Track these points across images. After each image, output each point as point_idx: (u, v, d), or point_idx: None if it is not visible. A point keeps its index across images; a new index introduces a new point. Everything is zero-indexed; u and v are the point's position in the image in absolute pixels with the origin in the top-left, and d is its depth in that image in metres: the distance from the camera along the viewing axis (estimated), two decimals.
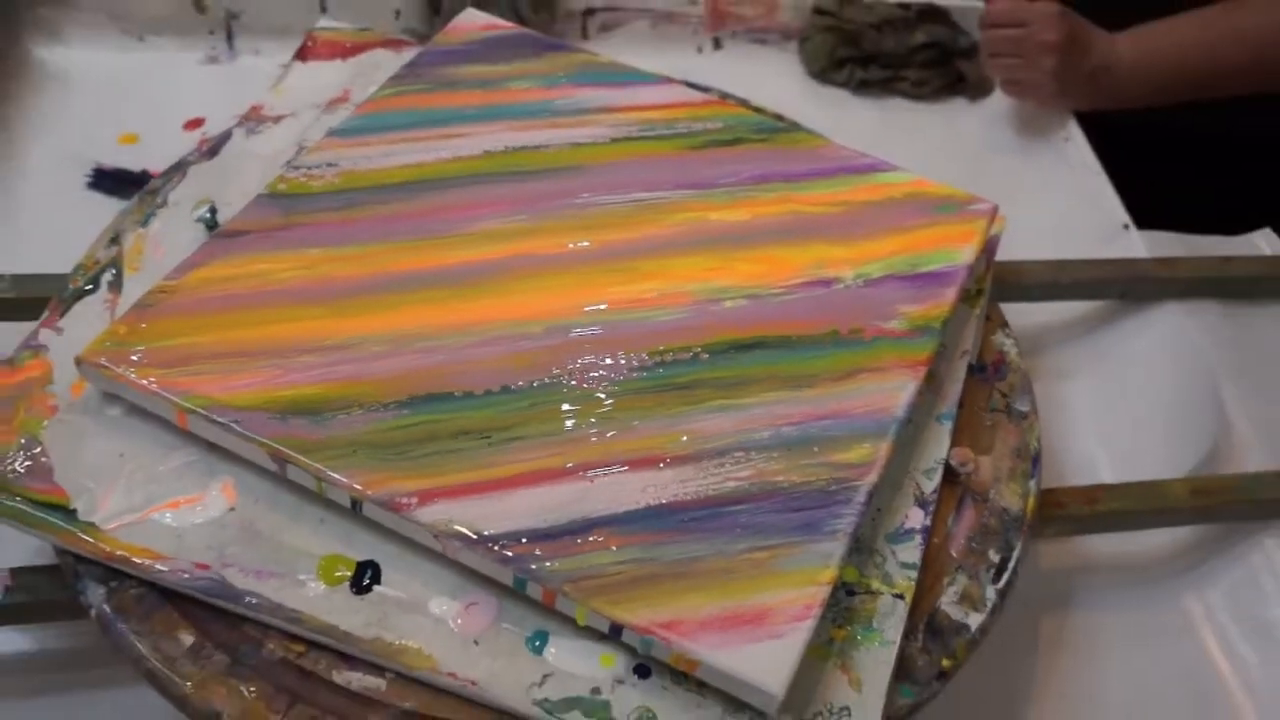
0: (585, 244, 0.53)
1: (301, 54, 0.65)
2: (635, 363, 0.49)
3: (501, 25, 0.64)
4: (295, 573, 0.44)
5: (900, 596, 0.46)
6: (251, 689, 0.42)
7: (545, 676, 0.43)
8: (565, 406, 0.47)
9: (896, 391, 0.49)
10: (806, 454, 0.47)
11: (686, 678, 0.43)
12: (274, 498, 0.46)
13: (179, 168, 0.59)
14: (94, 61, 0.81)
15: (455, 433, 0.46)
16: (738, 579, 0.43)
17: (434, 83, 0.60)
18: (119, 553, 0.43)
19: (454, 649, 0.43)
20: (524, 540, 0.43)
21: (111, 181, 0.73)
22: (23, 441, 0.46)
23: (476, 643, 0.43)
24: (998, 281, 0.62)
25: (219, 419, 0.45)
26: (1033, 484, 0.52)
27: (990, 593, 0.49)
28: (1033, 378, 0.57)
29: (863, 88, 0.89)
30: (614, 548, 0.43)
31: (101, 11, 0.81)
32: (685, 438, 0.47)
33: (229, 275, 0.50)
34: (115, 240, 0.55)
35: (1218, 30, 0.82)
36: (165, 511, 0.45)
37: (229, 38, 0.84)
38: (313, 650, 0.43)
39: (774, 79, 0.89)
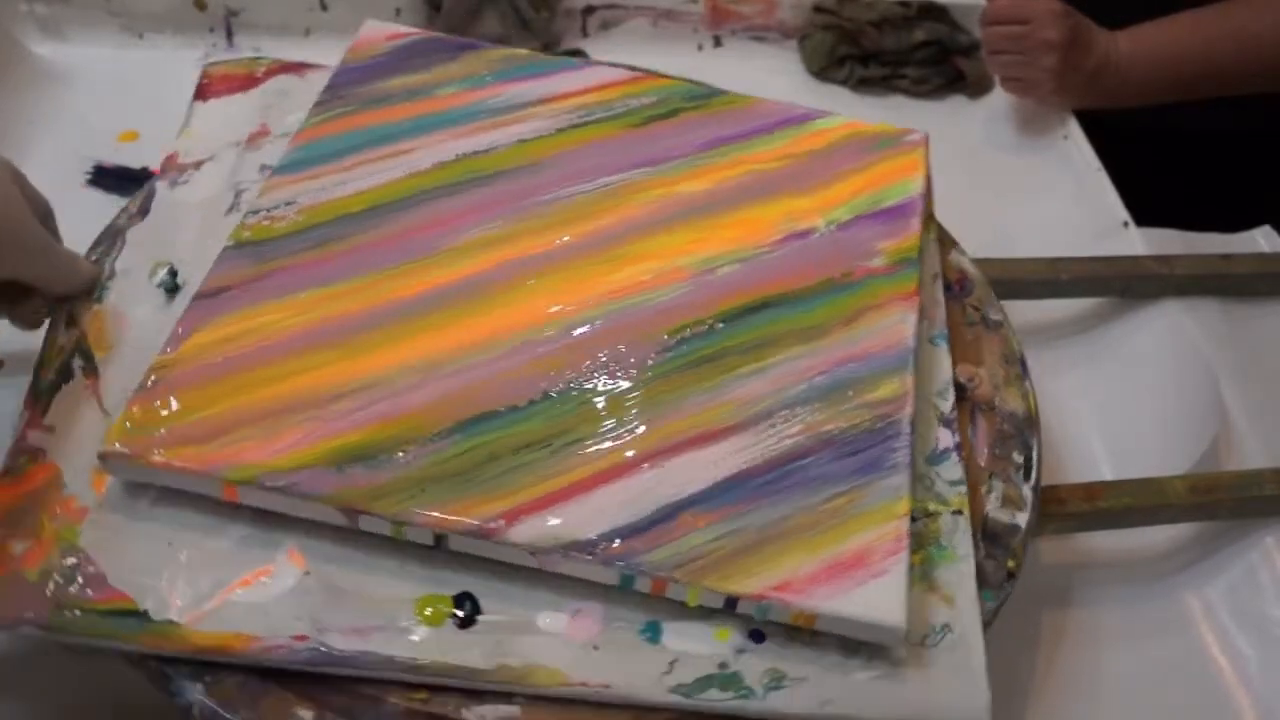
0: (566, 238, 0.53)
1: (200, 93, 0.61)
2: (658, 345, 0.50)
3: (409, 32, 0.62)
4: (395, 621, 0.43)
5: (959, 512, 0.49)
6: None
7: (671, 663, 0.43)
8: (609, 401, 0.47)
9: (900, 324, 0.52)
10: (843, 399, 0.49)
11: (799, 632, 0.44)
12: (343, 552, 0.44)
13: (112, 234, 0.55)
14: (94, 59, 0.81)
15: (516, 448, 0.45)
16: (825, 529, 0.45)
17: (362, 102, 0.58)
18: (213, 644, 0.41)
19: (577, 658, 0.43)
20: (619, 539, 0.43)
21: (112, 179, 0.73)
22: (63, 553, 0.43)
23: (596, 648, 0.43)
24: (998, 280, 0.62)
25: (275, 485, 0.43)
26: (1028, 385, 0.56)
27: (1026, 491, 0.52)
28: (1033, 376, 0.57)
29: (862, 85, 0.90)
30: (703, 526, 0.44)
31: (101, 9, 0.81)
32: (730, 407, 0.48)
33: (227, 336, 0.47)
34: (72, 322, 0.51)
35: (1217, 29, 0.82)
36: (239, 591, 0.43)
37: (229, 35, 0.84)
38: (436, 694, 0.42)
39: (774, 77, 0.89)
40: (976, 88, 0.90)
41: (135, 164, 0.74)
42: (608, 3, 0.88)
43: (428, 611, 0.43)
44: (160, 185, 0.56)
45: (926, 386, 0.52)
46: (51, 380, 0.49)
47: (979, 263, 0.61)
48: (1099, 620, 0.59)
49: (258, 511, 0.44)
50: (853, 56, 0.89)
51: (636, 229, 0.54)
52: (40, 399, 0.48)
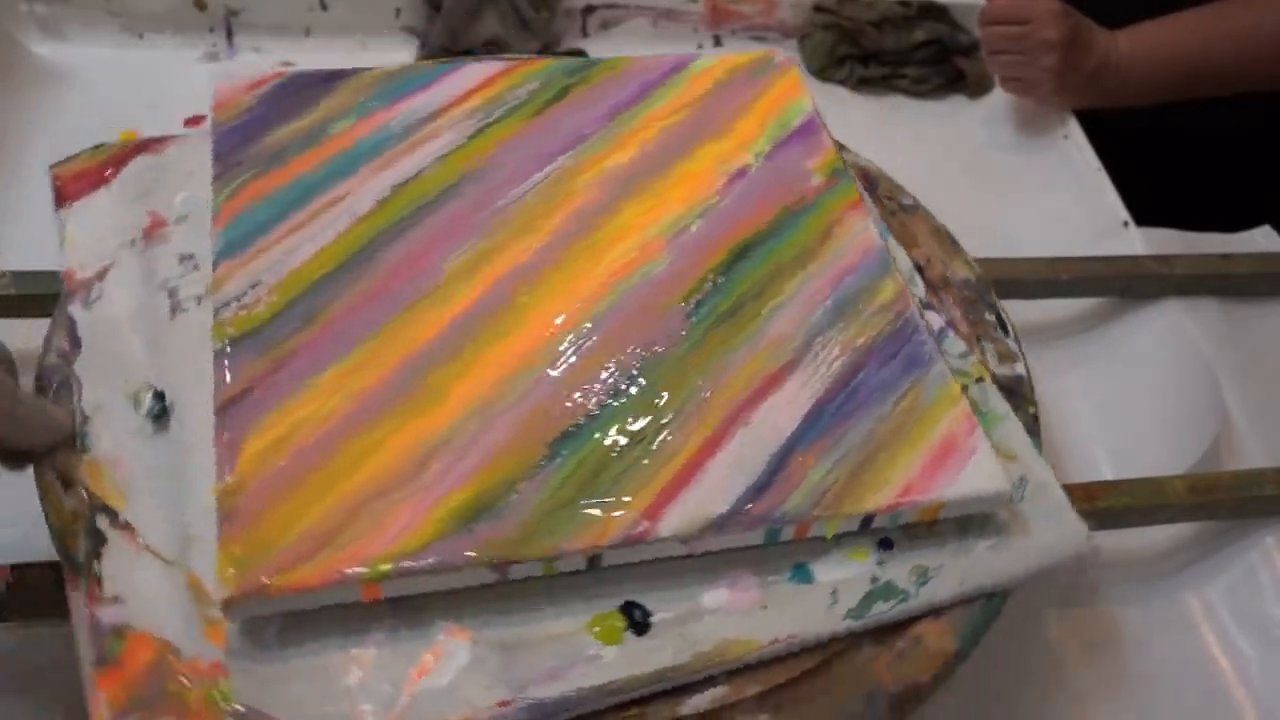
0: (540, 241, 0.53)
1: (60, 198, 0.55)
2: (679, 315, 0.51)
3: (264, 77, 0.58)
4: (581, 652, 0.43)
5: (981, 380, 0.54)
6: None
7: (833, 594, 0.46)
8: (667, 380, 0.48)
9: (866, 230, 0.56)
10: (857, 312, 0.52)
11: (918, 528, 0.48)
12: (495, 607, 0.44)
13: (56, 375, 0.49)
14: (94, 58, 0.81)
15: (618, 451, 0.46)
16: (909, 430, 0.48)
17: (262, 162, 0.54)
18: None
19: (754, 623, 0.45)
20: (751, 501, 0.45)
21: None
22: (229, 717, 0.41)
23: (764, 607, 0.45)
24: (998, 280, 0.62)
25: (418, 567, 0.42)
26: (965, 253, 0.60)
27: (1012, 344, 0.57)
28: (1033, 375, 0.57)
29: (862, 85, 0.90)
30: (814, 463, 0.46)
31: (101, 9, 0.81)
32: (771, 350, 0.50)
33: (278, 439, 0.44)
34: (68, 482, 0.46)
35: (1216, 28, 0.82)
36: (420, 682, 0.42)
37: (229, 35, 0.84)
38: (647, 706, 0.43)
39: None
40: (976, 88, 0.90)
41: None
42: (608, 2, 0.87)
43: (601, 631, 0.44)
44: (74, 309, 0.51)
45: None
46: (86, 550, 0.44)
47: (979, 263, 0.61)
48: (1098, 620, 0.59)
49: (393, 601, 0.43)
50: (853, 56, 0.89)
51: (595, 213, 0.54)
52: (83, 572, 0.44)
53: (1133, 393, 0.69)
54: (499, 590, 0.44)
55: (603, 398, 0.47)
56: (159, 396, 0.48)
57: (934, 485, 0.46)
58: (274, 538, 0.42)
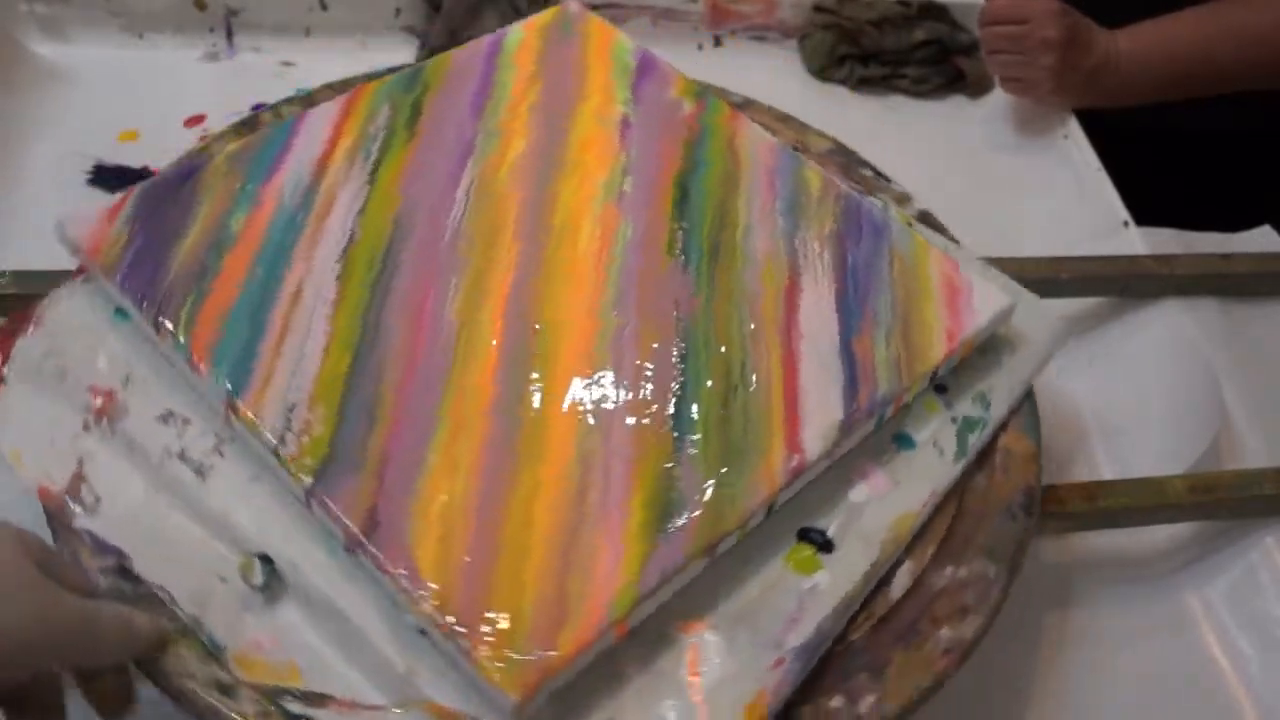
0: (511, 255, 0.52)
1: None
2: (675, 269, 0.53)
3: (121, 199, 0.52)
4: (799, 588, 0.46)
5: (910, 224, 0.60)
6: None
7: (935, 447, 0.51)
8: (712, 329, 0.51)
9: (761, 136, 0.60)
10: (806, 206, 0.57)
11: (953, 365, 0.53)
12: (703, 589, 0.45)
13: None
14: (94, 58, 0.81)
15: (726, 406, 0.48)
16: (917, 287, 0.54)
17: (188, 287, 0.49)
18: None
19: (900, 498, 0.49)
20: (854, 396, 0.49)
21: (112, 178, 0.73)
22: None
23: (897, 483, 0.50)
24: None
25: (654, 584, 0.42)
26: (812, 127, 0.68)
27: (898, 186, 0.65)
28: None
29: (862, 85, 0.90)
30: (870, 345, 0.51)
31: (102, 8, 0.81)
32: (770, 266, 0.54)
33: (441, 538, 0.42)
34: (229, 691, 0.42)
35: (1216, 27, 0.82)
36: (701, 685, 0.43)
37: (229, 34, 0.84)
38: (866, 608, 0.47)
39: (774, 76, 0.89)
40: (976, 87, 0.90)
41: (135, 163, 0.74)
42: (608, 1, 0.87)
43: (798, 563, 0.47)
44: (80, 522, 0.45)
45: None
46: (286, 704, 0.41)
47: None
48: (1099, 620, 0.59)
49: (635, 630, 0.43)
50: (853, 56, 0.89)
51: (537, 206, 0.55)
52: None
53: (1133, 392, 0.69)
54: (702, 574, 0.45)
55: (675, 371, 0.49)
56: (267, 560, 0.44)
57: (964, 323, 0.52)
58: (513, 627, 0.40)
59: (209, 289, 0.49)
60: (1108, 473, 0.65)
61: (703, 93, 0.62)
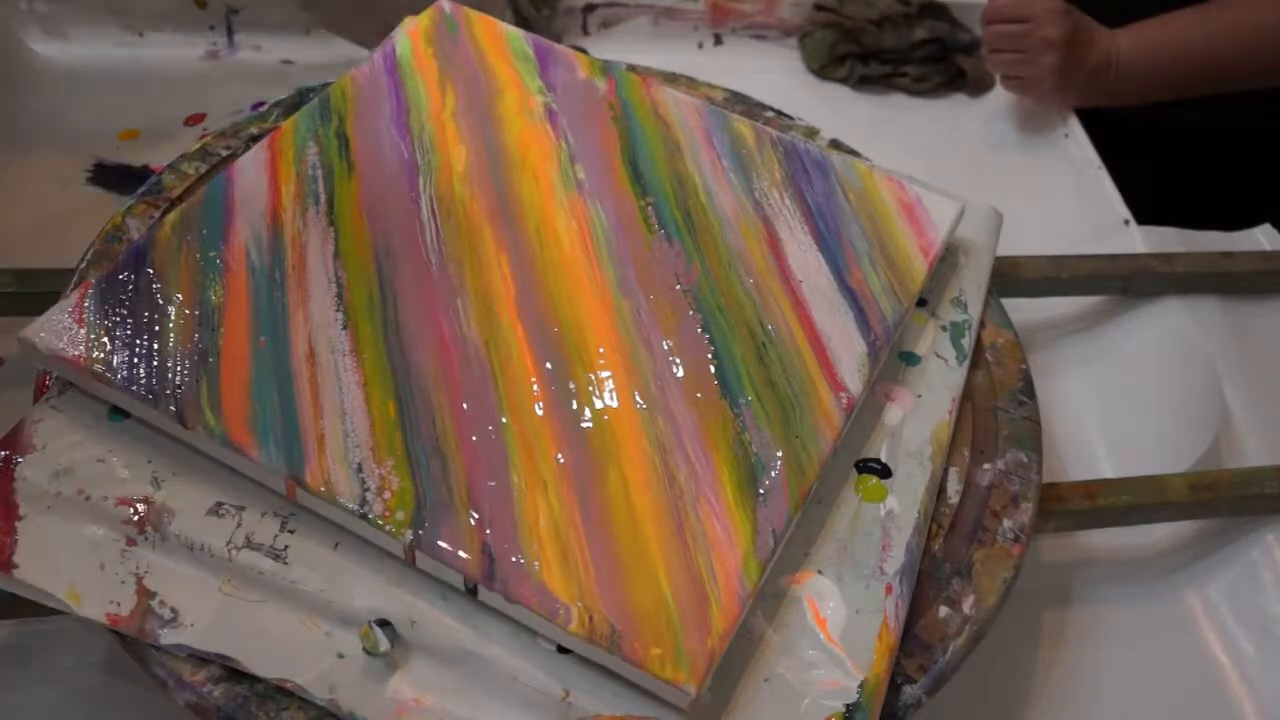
0: (504, 267, 0.52)
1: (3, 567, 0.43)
2: (663, 243, 0.54)
3: (77, 302, 0.48)
4: (877, 517, 0.48)
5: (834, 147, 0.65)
6: None
7: (939, 356, 0.55)
8: (719, 295, 0.52)
9: (677, 95, 0.62)
10: (750, 159, 0.59)
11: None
12: (796, 538, 0.47)
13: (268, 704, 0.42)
14: (95, 57, 0.81)
15: (764, 362, 0.49)
16: (875, 212, 0.57)
17: (195, 370, 0.46)
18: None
19: (928, 409, 0.52)
20: (868, 327, 0.52)
21: (113, 177, 0.73)
22: None
23: (920, 395, 0.53)
24: (997, 278, 0.62)
25: (773, 547, 0.44)
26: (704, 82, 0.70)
27: (800, 120, 0.69)
28: (1033, 373, 0.57)
29: (863, 84, 0.90)
30: (861, 275, 0.54)
31: (102, 7, 0.81)
32: (746, 224, 0.55)
33: (564, 556, 0.43)
34: None
35: (1217, 26, 0.82)
36: (832, 629, 0.45)
37: (229, 33, 0.84)
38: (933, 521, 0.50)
39: (774, 75, 0.89)
40: (977, 86, 0.90)
41: (136, 162, 0.74)
42: (608, 0, 0.87)
43: (867, 492, 0.49)
44: (169, 635, 0.42)
45: None
46: None
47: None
48: (1099, 619, 0.59)
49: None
50: (853, 54, 0.89)
51: (505, 213, 0.54)
52: None
53: (1133, 391, 0.69)
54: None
55: (704, 341, 0.50)
56: (384, 624, 0.42)
57: (930, 236, 0.56)
58: (666, 620, 0.41)
59: (218, 369, 0.46)
60: (1108, 471, 0.65)
61: (607, 67, 0.63)
